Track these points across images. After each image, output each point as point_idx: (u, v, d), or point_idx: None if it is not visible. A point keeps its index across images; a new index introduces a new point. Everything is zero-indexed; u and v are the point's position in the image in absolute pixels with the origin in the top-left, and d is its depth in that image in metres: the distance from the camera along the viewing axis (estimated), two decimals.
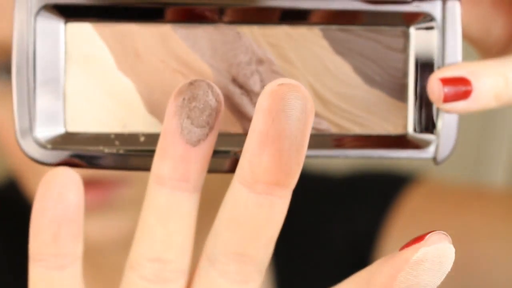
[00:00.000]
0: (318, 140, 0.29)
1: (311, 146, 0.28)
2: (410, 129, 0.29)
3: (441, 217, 0.56)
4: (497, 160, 0.94)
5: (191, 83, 0.26)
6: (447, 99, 0.27)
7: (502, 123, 0.93)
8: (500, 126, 0.93)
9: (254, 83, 0.29)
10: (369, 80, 0.29)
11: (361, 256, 0.56)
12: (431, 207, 0.57)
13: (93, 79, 0.28)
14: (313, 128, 0.29)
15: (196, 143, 0.26)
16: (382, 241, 0.56)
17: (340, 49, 0.29)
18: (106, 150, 0.28)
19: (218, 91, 0.26)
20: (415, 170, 0.61)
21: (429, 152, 0.29)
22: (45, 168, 0.29)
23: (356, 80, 0.29)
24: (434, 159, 0.29)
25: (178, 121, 0.25)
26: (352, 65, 0.29)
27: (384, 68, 0.29)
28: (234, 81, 0.29)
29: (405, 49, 0.29)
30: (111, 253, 0.51)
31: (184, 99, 0.26)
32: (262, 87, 0.29)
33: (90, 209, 0.43)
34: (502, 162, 0.94)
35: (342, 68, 0.29)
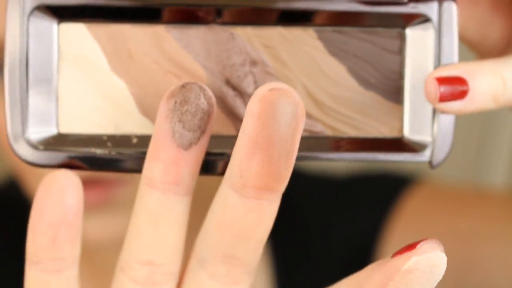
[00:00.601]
0: (312, 142, 0.29)
1: (305, 148, 0.28)
2: (405, 132, 0.29)
3: (441, 218, 0.56)
4: (497, 161, 0.93)
5: (183, 86, 0.25)
6: (443, 98, 0.27)
7: (502, 124, 0.92)
8: (500, 127, 0.92)
9: (247, 84, 0.28)
10: (364, 82, 0.29)
11: (361, 257, 0.56)
12: (431, 208, 0.56)
13: (86, 80, 0.28)
14: (307, 131, 0.29)
15: (187, 146, 0.25)
16: (382, 243, 0.56)
17: (335, 51, 0.29)
18: (98, 151, 0.28)
19: (211, 94, 0.26)
20: (415, 171, 0.60)
21: (424, 155, 0.29)
22: (45, 169, 0.28)
23: (351, 82, 0.29)
24: (430, 162, 0.29)
25: (170, 124, 0.25)
26: (347, 67, 0.29)
27: (379, 70, 0.29)
28: (228, 82, 0.28)
29: (401, 50, 0.29)
30: (109, 252, 0.51)
31: (176, 102, 0.25)
32: (256, 88, 0.28)
33: (89, 208, 0.43)
34: (502, 163, 0.93)
35: (337, 69, 0.29)
